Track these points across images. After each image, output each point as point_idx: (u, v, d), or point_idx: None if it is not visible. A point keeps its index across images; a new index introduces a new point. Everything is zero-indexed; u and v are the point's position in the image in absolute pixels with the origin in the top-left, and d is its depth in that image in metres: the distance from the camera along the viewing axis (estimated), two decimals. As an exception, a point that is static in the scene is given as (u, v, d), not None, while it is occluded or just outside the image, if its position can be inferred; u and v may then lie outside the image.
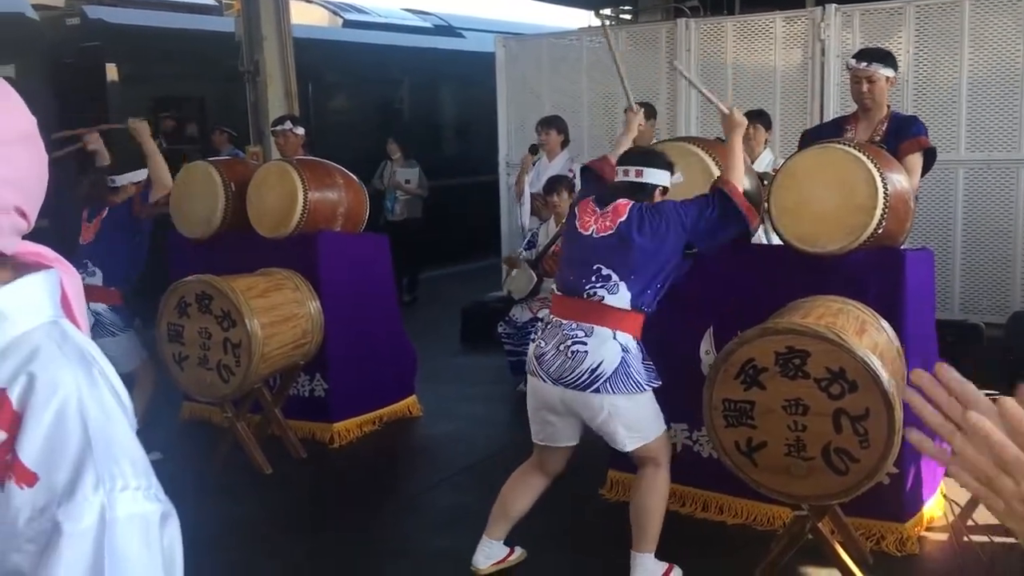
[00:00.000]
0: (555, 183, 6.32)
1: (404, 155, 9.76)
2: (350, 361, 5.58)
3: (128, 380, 4.17)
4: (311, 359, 5.35)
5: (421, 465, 5.55)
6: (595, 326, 3.51)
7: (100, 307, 5.07)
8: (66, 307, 1.20)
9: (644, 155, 3.79)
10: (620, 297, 3.52)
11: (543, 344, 3.60)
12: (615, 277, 3.53)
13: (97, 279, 5.13)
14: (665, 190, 3.71)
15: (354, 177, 5.91)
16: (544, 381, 3.57)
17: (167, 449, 4.77)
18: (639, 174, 3.66)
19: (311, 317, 5.24)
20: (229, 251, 5.53)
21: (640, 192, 3.66)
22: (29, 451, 1.02)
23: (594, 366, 3.46)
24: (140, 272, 5.33)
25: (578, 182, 6.58)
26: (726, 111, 3.81)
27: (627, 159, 3.76)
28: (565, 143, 7.17)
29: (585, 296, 3.55)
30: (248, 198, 5.55)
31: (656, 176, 3.68)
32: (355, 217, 5.78)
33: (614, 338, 3.49)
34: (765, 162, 6.15)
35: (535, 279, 6.24)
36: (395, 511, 4.72)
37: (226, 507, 4.68)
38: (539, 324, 3.85)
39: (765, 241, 4.70)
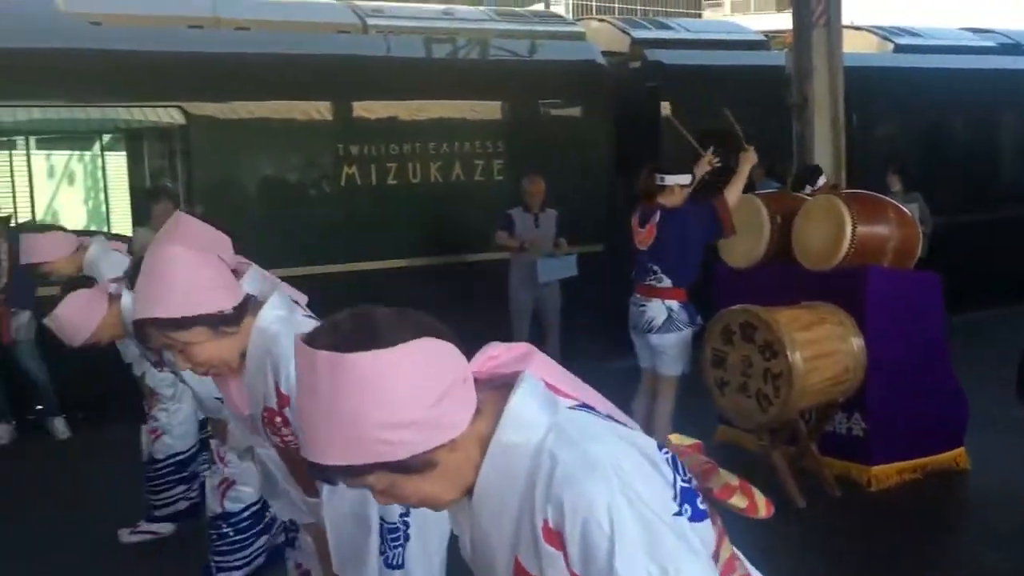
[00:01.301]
0: None
1: (904, 188, 8.97)
2: (893, 403, 5.33)
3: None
4: (850, 397, 5.22)
5: (967, 523, 5.12)
6: None
7: (673, 304, 5.38)
8: (556, 391, 1.34)
9: None
10: None
11: None
12: None
13: (666, 283, 5.45)
14: None
15: (906, 211, 5.65)
16: None
17: None
18: None
19: (854, 354, 5.10)
20: (772, 281, 5.61)
21: None
22: (575, 562, 1.24)
23: None
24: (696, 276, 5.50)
25: None
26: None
27: None
28: None
29: None
30: (794, 230, 5.60)
31: None
32: (906, 253, 5.51)
33: None
34: None
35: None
36: (935, 569, 4.40)
37: (755, 534, 4.75)
38: None
39: None
